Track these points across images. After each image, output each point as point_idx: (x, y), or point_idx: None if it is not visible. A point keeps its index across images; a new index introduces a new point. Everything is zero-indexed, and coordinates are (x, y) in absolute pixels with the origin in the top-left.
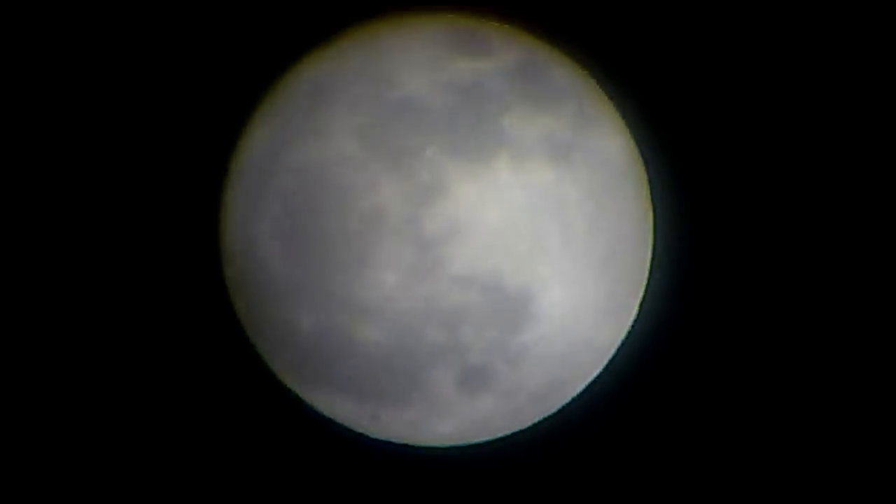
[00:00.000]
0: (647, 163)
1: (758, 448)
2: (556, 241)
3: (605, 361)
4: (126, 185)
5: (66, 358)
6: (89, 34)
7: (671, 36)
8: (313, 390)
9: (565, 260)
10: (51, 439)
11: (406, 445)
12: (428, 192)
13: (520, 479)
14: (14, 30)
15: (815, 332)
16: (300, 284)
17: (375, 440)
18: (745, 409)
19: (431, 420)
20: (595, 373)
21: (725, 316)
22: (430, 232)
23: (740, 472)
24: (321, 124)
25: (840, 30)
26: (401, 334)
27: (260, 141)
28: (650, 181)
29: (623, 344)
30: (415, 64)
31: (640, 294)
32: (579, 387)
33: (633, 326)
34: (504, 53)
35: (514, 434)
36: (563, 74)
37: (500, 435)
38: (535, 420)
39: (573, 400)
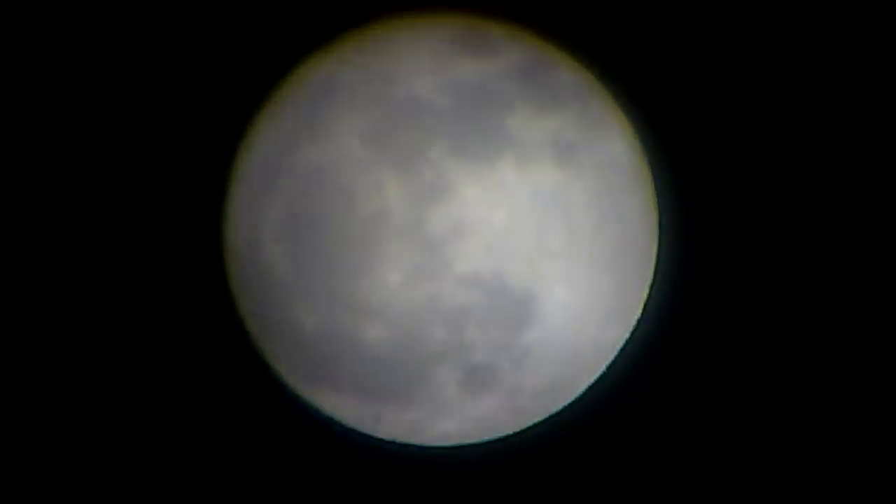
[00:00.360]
0: (651, 163)
1: (762, 447)
2: (561, 241)
3: (609, 361)
4: (131, 186)
5: (71, 358)
6: (95, 35)
7: (676, 37)
8: (317, 390)
9: (569, 260)
10: (55, 438)
11: (410, 445)
12: (433, 193)
13: (523, 478)
14: (21, 27)
15: (820, 332)
16: (305, 285)
17: (379, 440)
18: (750, 409)
19: (435, 420)
20: (599, 373)
21: (730, 316)
22: (435, 232)
23: (745, 472)
24: (326, 125)
25: (846, 31)
26: (405, 334)
27: (265, 142)
28: (655, 182)
29: (627, 344)
30: (420, 64)
31: (645, 294)
32: (583, 387)
33: (637, 326)
34: (509, 54)
35: (517, 434)
36: (569, 75)
37: (503, 434)
38: (539, 420)
39: (576, 400)
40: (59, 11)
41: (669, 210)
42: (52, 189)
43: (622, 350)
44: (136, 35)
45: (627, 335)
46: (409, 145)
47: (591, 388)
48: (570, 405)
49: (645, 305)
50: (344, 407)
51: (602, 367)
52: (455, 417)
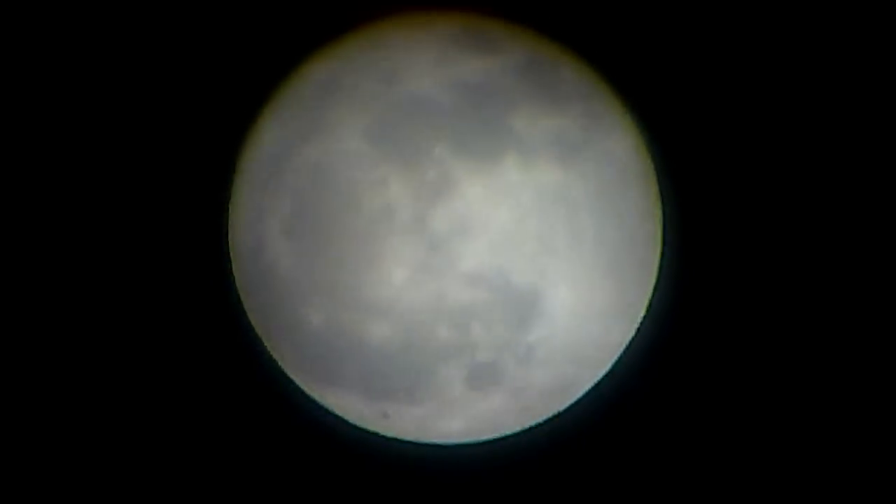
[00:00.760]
0: (655, 162)
1: (766, 447)
2: (565, 239)
3: (614, 360)
4: (135, 185)
5: (75, 357)
6: (99, 33)
7: (680, 35)
8: (323, 388)
9: (573, 258)
10: (59, 437)
11: (415, 443)
12: (436, 191)
13: (529, 476)
14: (24, 26)
15: (823, 332)
16: (309, 283)
17: (385, 438)
18: (754, 408)
19: (441, 417)
20: (603, 371)
21: (734, 315)
22: (439, 230)
23: (749, 471)
24: (330, 123)
25: (850, 32)
26: (410, 332)
27: (269, 140)
28: (658, 180)
29: (631, 342)
30: (423, 62)
31: (649, 293)
32: (588, 385)
33: (641, 325)
34: (512, 52)
35: (522, 432)
36: (572, 73)
37: (508, 433)
38: (544, 418)
39: (582, 398)
40: (62, 11)
41: (673, 208)
42: (56, 189)
43: (627, 348)
44: (140, 35)
45: (632, 333)
46: (412, 144)
47: (597, 385)
48: (576, 403)
49: (649, 303)
50: (349, 405)
51: (607, 365)
52: (460, 415)
